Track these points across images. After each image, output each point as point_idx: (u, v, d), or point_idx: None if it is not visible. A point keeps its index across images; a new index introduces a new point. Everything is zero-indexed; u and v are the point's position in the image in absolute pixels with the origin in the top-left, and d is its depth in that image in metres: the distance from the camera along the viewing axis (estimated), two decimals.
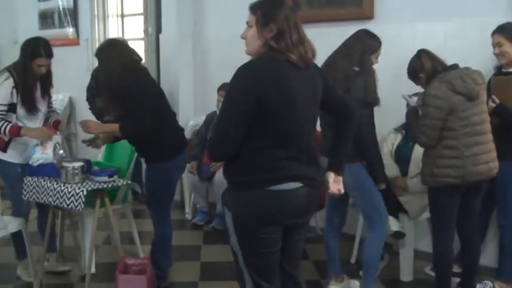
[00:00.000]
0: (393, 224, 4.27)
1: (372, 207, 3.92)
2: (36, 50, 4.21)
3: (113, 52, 3.96)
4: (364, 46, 3.76)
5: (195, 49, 6.80)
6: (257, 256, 2.64)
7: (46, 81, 4.40)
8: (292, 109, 2.47)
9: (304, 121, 2.54)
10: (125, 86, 3.86)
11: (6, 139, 4.28)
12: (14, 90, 4.18)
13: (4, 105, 4.18)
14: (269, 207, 2.51)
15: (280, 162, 2.50)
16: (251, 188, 2.51)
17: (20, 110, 4.24)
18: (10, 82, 4.18)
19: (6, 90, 4.17)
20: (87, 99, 6.34)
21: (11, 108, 4.21)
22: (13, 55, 9.14)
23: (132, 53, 4.09)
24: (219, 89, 5.92)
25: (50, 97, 4.52)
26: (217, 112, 6.02)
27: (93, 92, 5.86)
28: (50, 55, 4.26)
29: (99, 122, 4.38)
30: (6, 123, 4.15)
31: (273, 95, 2.44)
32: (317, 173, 2.65)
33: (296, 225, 2.68)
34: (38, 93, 4.35)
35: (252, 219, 2.54)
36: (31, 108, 4.27)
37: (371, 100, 3.71)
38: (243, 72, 2.48)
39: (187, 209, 6.33)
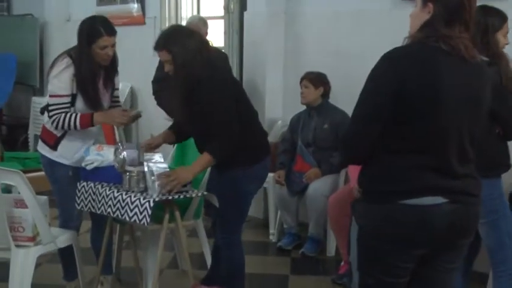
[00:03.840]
0: None
1: (497, 239, 3.80)
2: (94, 29, 4.27)
3: (189, 41, 4.00)
4: (486, 25, 3.64)
5: (287, 31, 6.78)
6: (377, 284, 2.65)
7: (110, 68, 4.46)
8: (437, 107, 2.49)
9: (455, 124, 2.53)
10: (205, 88, 3.95)
11: (59, 134, 4.37)
12: (75, 79, 4.28)
13: (67, 96, 4.28)
14: (401, 226, 2.53)
15: (417, 171, 2.52)
16: (382, 201, 2.56)
17: (79, 104, 4.32)
18: (71, 70, 4.27)
19: (67, 79, 4.27)
20: (155, 93, 6.41)
21: (72, 100, 4.31)
22: (65, 35, 9.47)
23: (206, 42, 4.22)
24: (302, 79, 5.92)
25: (114, 88, 4.59)
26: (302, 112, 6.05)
27: (163, 84, 5.91)
28: (111, 32, 4.30)
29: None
30: (74, 115, 4.26)
31: (413, 88, 2.47)
32: (474, 188, 2.62)
33: (439, 251, 2.63)
34: (101, 83, 4.42)
35: (380, 238, 2.58)
36: (94, 103, 4.35)
37: None
38: (382, 59, 2.56)
39: (272, 230, 6.31)
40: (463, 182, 2.57)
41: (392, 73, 2.50)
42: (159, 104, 6.35)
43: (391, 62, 2.53)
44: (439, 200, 2.51)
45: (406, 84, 2.47)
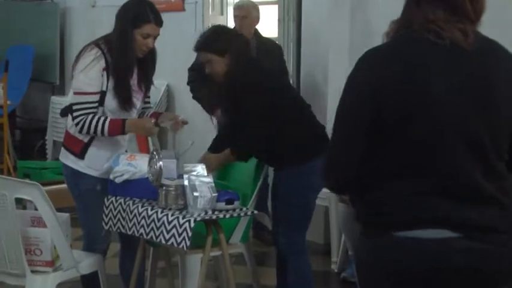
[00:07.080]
0: None
1: None
2: (143, 14, 4.34)
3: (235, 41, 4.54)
4: None
5: (354, 18, 6.79)
6: None
7: (147, 64, 4.52)
8: (427, 110, 2.41)
9: (457, 132, 2.42)
10: (239, 92, 4.46)
11: (86, 140, 4.39)
12: (105, 74, 4.31)
13: (96, 93, 4.31)
14: (399, 263, 2.46)
15: (414, 197, 2.44)
16: (376, 233, 2.52)
17: (109, 102, 4.35)
18: (101, 63, 4.31)
19: (96, 74, 4.30)
20: (190, 83, 6.43)
21: (101, 98, 4.34)
22: (90, 23, 9.59)
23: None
24: None
25: (148, 88, 4.64)
26: None
27: (200, 73, 5.93)
28: (160, 21, 4.40)
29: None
30: (103, 119, 4.29)
31: (394, 89, 2.41)
32: (501, 221, 2.46)
33: None
34: (134, 79, 4.46)
35: (378, 277, 2.54)
36: (125, 100, 4.39)
37: None
38: (358, 60, 2.54)
39: (335, 258, 6.26)
40: (483, 212, 2.41)
41: (367, 75, 2.47)
42: (195, 96, 6.36)
43: (366, 62, 2.50)
44: (446, 233, 2.40)
45: (384, 86, 2.42)
